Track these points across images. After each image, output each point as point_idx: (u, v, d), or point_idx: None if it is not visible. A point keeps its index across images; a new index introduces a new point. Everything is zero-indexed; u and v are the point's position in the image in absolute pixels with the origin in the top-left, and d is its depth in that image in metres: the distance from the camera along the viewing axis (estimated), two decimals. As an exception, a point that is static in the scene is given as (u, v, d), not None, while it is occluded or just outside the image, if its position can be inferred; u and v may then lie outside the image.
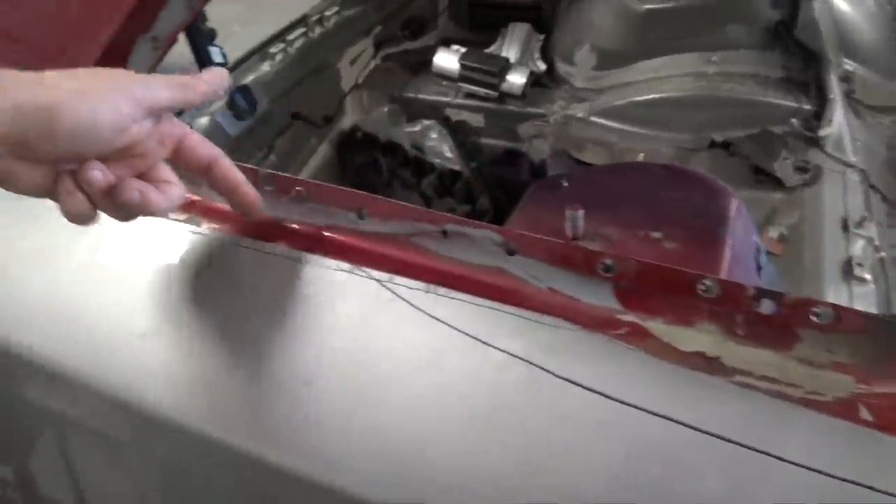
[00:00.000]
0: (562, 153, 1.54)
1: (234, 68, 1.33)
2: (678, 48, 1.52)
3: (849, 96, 1.44)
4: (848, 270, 1.05)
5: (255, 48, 1.41)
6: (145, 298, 0.65)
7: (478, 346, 0.54)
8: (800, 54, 1.47)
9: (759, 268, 0.76)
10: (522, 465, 0.49)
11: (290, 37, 1.44)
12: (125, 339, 0.63)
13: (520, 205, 0.94)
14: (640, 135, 1.47)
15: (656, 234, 0.73)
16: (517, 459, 0.50)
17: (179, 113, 1.25)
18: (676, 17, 1.48)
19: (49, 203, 0.51)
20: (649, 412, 0.49)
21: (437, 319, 0.56)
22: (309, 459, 0.55)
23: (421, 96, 1.68)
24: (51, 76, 0.49)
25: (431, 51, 1.68)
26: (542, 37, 1.70)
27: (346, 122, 1.69)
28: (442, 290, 0.57)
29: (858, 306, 1.00)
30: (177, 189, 0.54)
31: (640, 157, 1.44)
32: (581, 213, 0.71)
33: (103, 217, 0.52)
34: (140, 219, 0.54)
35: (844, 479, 0.41)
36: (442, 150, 1.61)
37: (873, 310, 0.99)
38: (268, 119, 1.41)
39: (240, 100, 1.31)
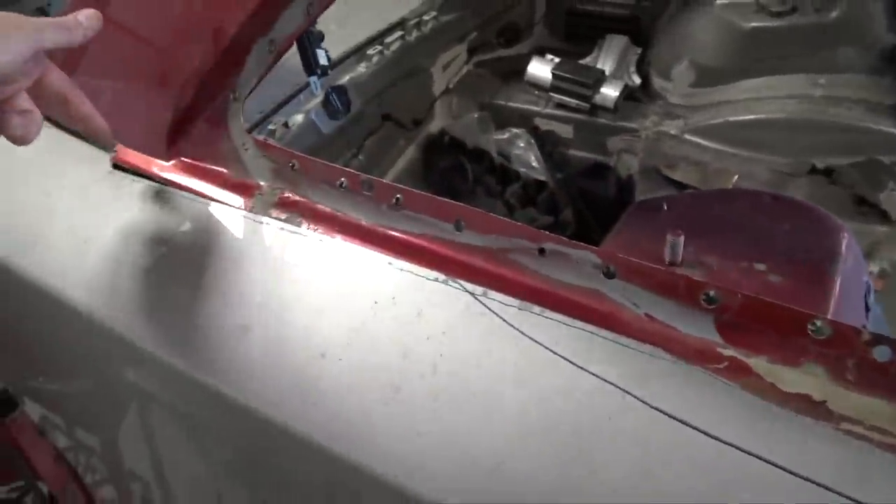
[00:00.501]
0: (651, 170, 1.51)
1: (332, 68, 1.36)
2: (782, 69, 1.46)
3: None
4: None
5: (352, 49, 1.44)
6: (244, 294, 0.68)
7: (569, 368, 0.53)
8: (915, 82, 1.40)
9: (867, 309, 0.73)
10: (603, 491, 0.49)
11: (388, 39, 1.46)
12: (226, 334, 0.66)
13: (617, 225, 0.92)
14: (736, 156, 1.42)
15: (760, 267, 0.70)
16: (598, 484, 0.49)
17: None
18: (784, 37, 1.43)
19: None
20: (744, 451, 0.47)
21: (529, 337, 0.55)
22: (385, 462, 0.56)
23: (511, 104, 1.67)
24: None
25: (524, 59, 1.67)
26: (639, 50, 1.68)
27: (435, 126, 1.70)
28: (536, 309, 0.57)
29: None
30: (37, 116, 0.56)
31: (735, 178, 1.39)
32: (682, 238, 0.69)
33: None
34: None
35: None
36: (528, 159, 1.60)
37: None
38: (360, 119, 1.43)
39: (334, 99, 1.34)
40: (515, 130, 1.61)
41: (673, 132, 1.50)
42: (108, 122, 0.60)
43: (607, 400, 0.51)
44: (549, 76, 1.61)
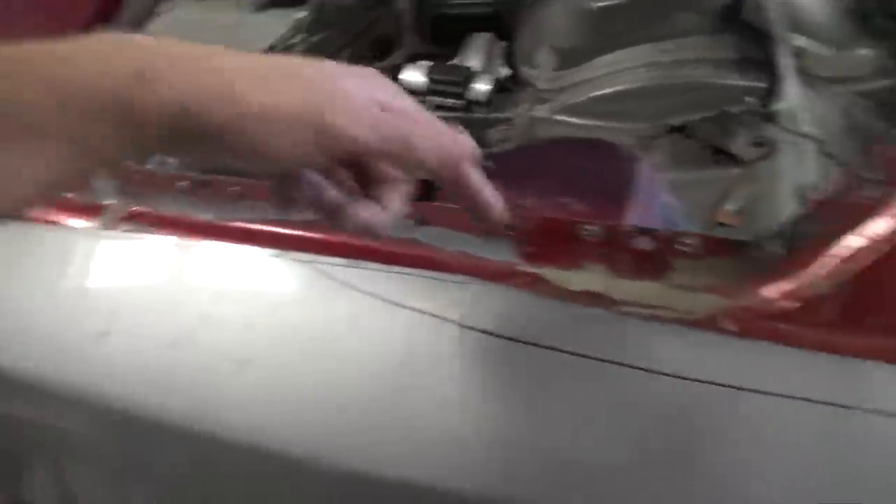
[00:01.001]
0: (529, 153, 1.59)
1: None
2: (632, 41, 1.56)
3: (802, 70, 1.48)
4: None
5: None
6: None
7: (391, 308, 0.58)
8: (750, 35, 1.51)
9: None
10: (431, 407, 0.53)
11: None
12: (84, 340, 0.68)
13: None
14: (602, 128, 1.50)
15: (565, 200, 0.77)
16: (427, 401, 0.54)
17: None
18: (627, 12, 1.53)
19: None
20: (545, 346, 0.53)
21: (356, 289, 0.60)
22: (239, 429, 0.60)
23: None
24: (239, 73, 0.37)
25: (400, 68, 1.73)
26: (504, 44, 1.76)
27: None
28: (362, 264, 0.62)
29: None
30: (402, 191, 0.45)
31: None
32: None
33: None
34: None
35: (709, 382, 0.45)
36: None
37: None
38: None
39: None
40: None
41: (543, 115, 1.58)
42: None
43: (426, 329, 0.56)
44: (423, 80, 1.67)
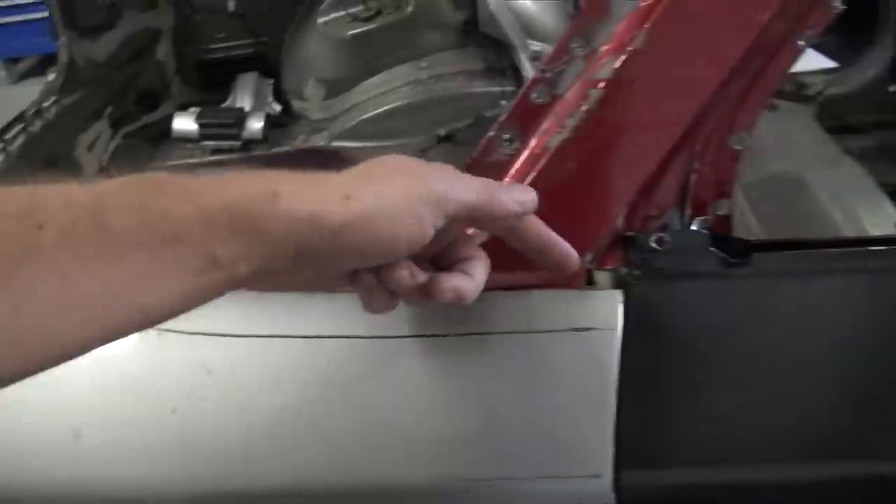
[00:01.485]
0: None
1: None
2: (391, 63, 1.67)
3: (542, 71, 1.66)
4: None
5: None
6: None
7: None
8: (492, 45, 1.68)
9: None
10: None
11: (9, 136, 1.41)
12: None
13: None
14: (377, 147, 1.60)
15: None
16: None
17: None
18: (379, 36, 1.64)
19: None
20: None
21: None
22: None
23: (169, 163, 1.70)
24: (342, 181, 0.43)
25: (171, 119, 1.71)
26: (271, 81, 1.80)
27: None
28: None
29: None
30: (483, 264, 0.51)
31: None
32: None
33: None
34: None
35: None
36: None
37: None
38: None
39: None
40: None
41: (322, 144, 1.64)
42: None
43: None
44: (195, 127, 1.67)
